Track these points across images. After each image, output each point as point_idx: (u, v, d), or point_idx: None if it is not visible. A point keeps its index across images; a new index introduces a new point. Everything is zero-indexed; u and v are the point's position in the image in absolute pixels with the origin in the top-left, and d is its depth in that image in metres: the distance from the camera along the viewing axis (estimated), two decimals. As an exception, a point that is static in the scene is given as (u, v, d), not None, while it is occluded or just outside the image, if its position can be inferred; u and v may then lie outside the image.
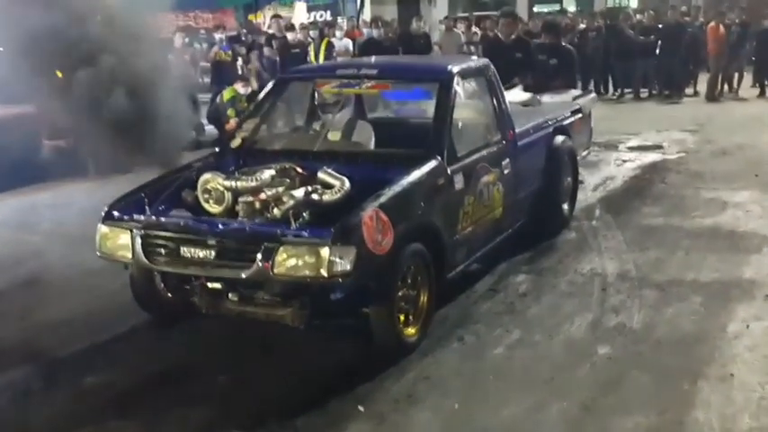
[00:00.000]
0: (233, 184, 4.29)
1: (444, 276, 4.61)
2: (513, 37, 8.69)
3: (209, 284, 4.20)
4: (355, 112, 5.60)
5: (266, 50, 12.28)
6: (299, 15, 19.85)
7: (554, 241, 6.09)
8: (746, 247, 5.87)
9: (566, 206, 6.48)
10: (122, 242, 4.28)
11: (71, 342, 4.56)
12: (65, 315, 4.95)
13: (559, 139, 6.33)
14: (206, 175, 4.43)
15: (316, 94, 5.74)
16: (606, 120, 12.13)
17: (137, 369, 4.24)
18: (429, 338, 4.42)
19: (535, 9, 25.65)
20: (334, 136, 5.31)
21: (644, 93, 15.32)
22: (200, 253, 4.04)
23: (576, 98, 7.38)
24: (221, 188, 4.33)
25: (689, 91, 15.26)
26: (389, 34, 13.52)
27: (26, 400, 3.97)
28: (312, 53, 13.15)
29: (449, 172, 4.65)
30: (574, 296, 5.04)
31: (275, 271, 3.83)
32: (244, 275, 3.93)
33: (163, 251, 4.17)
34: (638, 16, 15.86)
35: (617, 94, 15.39)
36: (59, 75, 9.58)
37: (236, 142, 5.21)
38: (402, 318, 4.23)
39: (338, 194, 4.15)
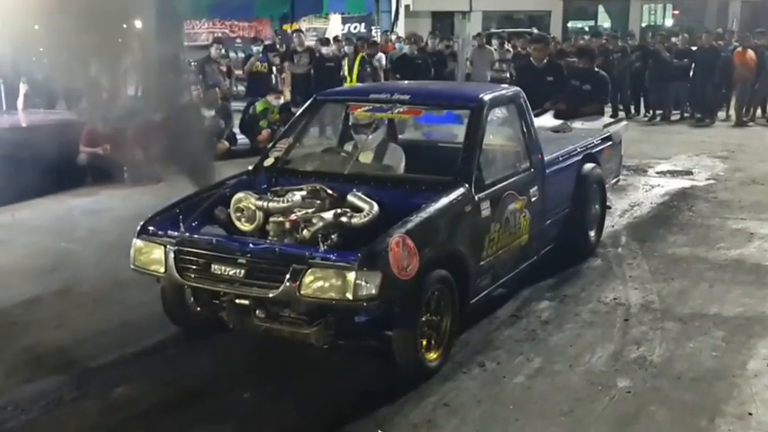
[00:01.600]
0: (265, 204, 4.41)
1: (468, 302, 4.68)
2: (545, 61, 8.77)
3: (238, 301, 4.29)
4: (387, 135, 5.68)
5: (287, 65, 12.41)
6: (334, 28, 20.06)
7: (579, 268, 6.13)
8: (772, 281, 5.87)
9: (593, 233, 6.53)
10: (156, 257, 4.42)
11: (102, 353, 4.69)
12: (97, 325, 5.10)
13: (588, 166, 6.38)
14: (239, 194, 4.55)
15: (349, 116, 5.83)
16: (637, 142, 12.19)
17: (164, 383, 4.35)
18: (450, 363, 4.50)
19: (569, 25, 25.69)
20: (365, 158, 5.40)
21: (675, 115, 15.29)
22: (230, 271, 4.16)
23: (606, 126, 7.41)
24: (253, 207, 4.44)
25: (721, 115, 15.21)
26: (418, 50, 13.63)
27: (56, 410, 4.10)
28: (346, 68, 13.32)
29: (476, 199, 4.73)
30: (596, 326, 5.08)
31: (302, 292, 3.94)
32: (271, 295, 4.04)
33: (194, 267, 4.29)
34: (673, 39, 15.81)
35: (648, 116, 15.35)
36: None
37: (269, 161, 5.33)
38: (424, 342, 4.30)
39: (367, 218, 4.24)
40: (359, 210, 4.31)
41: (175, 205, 4.79)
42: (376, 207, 4.30)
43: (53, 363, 4.59)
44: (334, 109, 5.94)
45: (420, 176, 4.99)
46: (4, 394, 4.25)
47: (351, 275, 3.87)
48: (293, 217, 4.32)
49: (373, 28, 22.91)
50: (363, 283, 3.87)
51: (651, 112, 15.38)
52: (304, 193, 4.49)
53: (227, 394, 4.21)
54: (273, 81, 13.79)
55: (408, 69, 12.55)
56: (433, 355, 4.37)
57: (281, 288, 3.99)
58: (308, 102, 5.84)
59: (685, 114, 15.29)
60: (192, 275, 4.30)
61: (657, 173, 10.07)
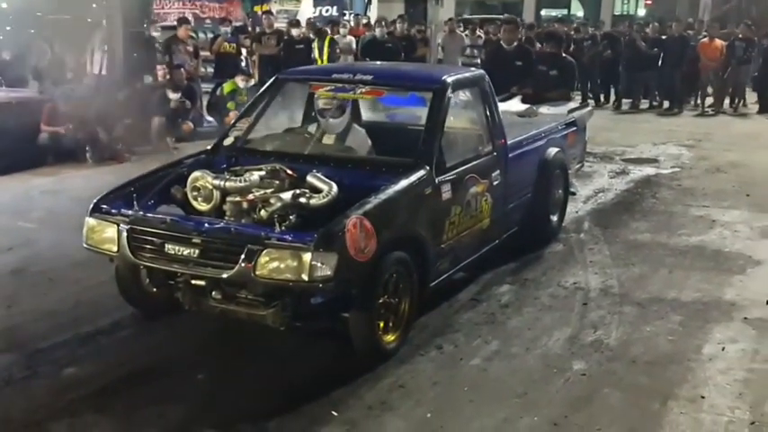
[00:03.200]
0: (221, 183, 4.36)
1: (428, 285, 4.66)
2: (515, 44, 8.75)
3: (193, 281, 4.23)
4: (351, 117, 5.62)
5: (255, 47, 12.28)
6: (306, 11, 19.89)
7: (540, 253, 6.14)
8: (730, 267, 5.92)
9: (555, 218, 6.54)
10: (108, 235, 4.33)
11: (55, 333, 4.61)
12: (51, 305, 5.02)
13: (552, 151, 6.38)
14: (196, 173, 4.50)
15: (314, 98, 5.73)
16: (605, 130, 12.27)
17: (117, 363, 4.29)
18: (408, 346, 4.48)
19: (543, 13, 25.72)
20: (328, 140, 5.35)
21: (644, 104, 15.39)
22: (185, 251, 4.08)
23: (571, 111, 7.41)
24: (210, 186, 4.39)
25: (690, 104, 15.34)
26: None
27: (5, 388, 4.03)
28: (316, 51, 13.22)
29: (437, 182, 4.69)
30: (555, 309, 5.09)
31: (257, 273, 3.88)
32: (225, 275, 3.99)
33: (148, 247, 4.20)
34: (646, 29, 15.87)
35: (617, 104, 15.42)
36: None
37: (228, 140, 5.26)
38: (382, 324, 4.28)
39: (325, 199, 4.20)
40: (318, 191, 4.27)
41: (130, 183, 4.71)
42: (335, 188, 4.26)
43: (4, 342, 4.51)
44: (297, 88, 5.84)
45: (380, 158, 4.99)
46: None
47: (306, 256, 3.83)
48: (251, 197, 4.27)
49: (345, 12, 22.79)
50: (319, 265, 3.83)
51: (619, 100, 15.44)
52: (263, 173, 4.42)
53: (183, 375, 4.16)
54: (243, 63, 13.66)
55: (378, 53, 12.47)
56: (390, 338, 4.36)
57: (235, 269, 3.93)
58: (270, 80, 5.77)
59: (654, 103, 15.39)
60: (146, 255, 4.22)
61: (623, 160, 10.12)
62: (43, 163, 9.07)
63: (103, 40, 10.39)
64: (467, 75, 5.66)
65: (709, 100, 15.19)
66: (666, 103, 15.13)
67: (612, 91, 15.85)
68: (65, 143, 9.12)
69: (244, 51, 13.78)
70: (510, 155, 5.64)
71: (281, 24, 15.24)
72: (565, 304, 5.17)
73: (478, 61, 14.19)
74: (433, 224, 4.68)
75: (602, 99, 15.69)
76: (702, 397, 3.96)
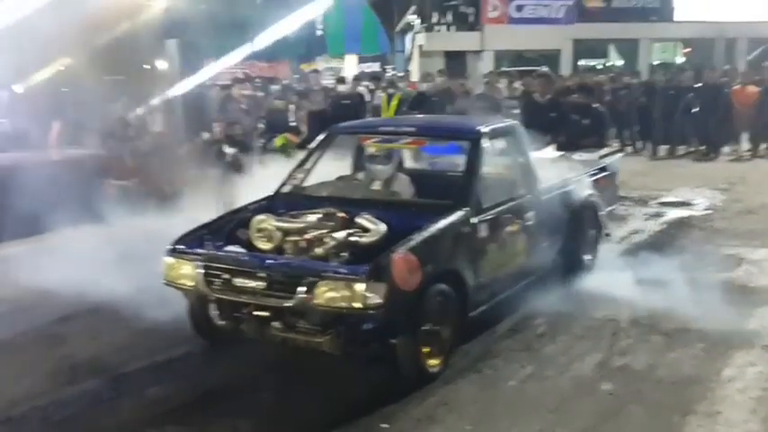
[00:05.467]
0: (282, 224, 4.96)
1: (467, 315, 5.15)
2: (548, 97, 9.29)
3: (257, 313, 4.74)
4: (396, 165, 6.18)
5: (303, 103, 13.00)
6: (350, 67, 20.76)
7: (575, 288, 6.54)
8: (754, 300, 6.27)
9: (588, 257, 6.98)
10: (185, 272, 4.95)
11: (135, 360, 5.19)
12: (131, 338, 5.55)
13: (583, 194, 6.86)
14: (260, 216, 5.12)
15: (364, 148, 6.34)
16: (641, 176, 12.67)
17: (193, 385, 4.83)
18: (451, 369, 4.96)
19: (582, 63, 26.19)
20: (376, 185, 5.93)
21: (681, 150, 15.71)
22: (252, 283, 4.67)
23: (602, 157, 7.91)
24: (272, 228, 4.98)
25: (726, 150, 15.63)
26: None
27: (95, 407, 4.60)
28: (384, 104, 13.92)
29: (474, 221, 5.23)
30: (586, 339, 5.51)
31: (315, 301, 4.45)
32: (287, 304, 4.55)
33: (219, 281, 4.80)
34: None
35: (654, 150, 15.78)
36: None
37: (286, 188, 5.91)
38: (426, 350, 4.76)
39: (374, 237, 4.78)
40: (367, 230, 4.83)
41: (202, 227, 5.35)
42: (383, 227, 4.82)
43: (90, 369, 5.08)
44: (347, 140, 6.49)
45: (422, 200, 5.63)
46: (47, 395, 4.74)
47: (359, 286, 4.37)
48: (308, 236, 4.85)
49: (387, 67, 23.66)
50: (370, 294, 4.36)
51: (655, 146, 15.79)
52: (319, 215, 5.02)
53: (249, 395, 4.69)
54: (292, 119, 14.40)
55: (425, 105, 13.12)
56: (434, 362, 4.83)
57: (296, 298, 4.49)
58: (323, 134, 6.40)
59: (690, 149, 15.72)
60: (218, 288, 4.81)
61: (658, 203, 10.49)
62: (111, 214, 9.77)
63: (164, 100, 11.18)
64: (501, 125, 6.27)
65: (746, 145, 15.48)
66: (703, 149, 15.46)
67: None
68: (131, 196, 9.82)
69: (292, 108, 14.56)
70: (543, 197, 6.15)
71: (327, 81, 16.06)
72: (596, 334, 5.59)
73: (517, 111, 14.74)
74: (472, 259, 5.19)
75: (639, 145, 16.08)
76: (719, 412, 4.36)
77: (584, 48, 24.65)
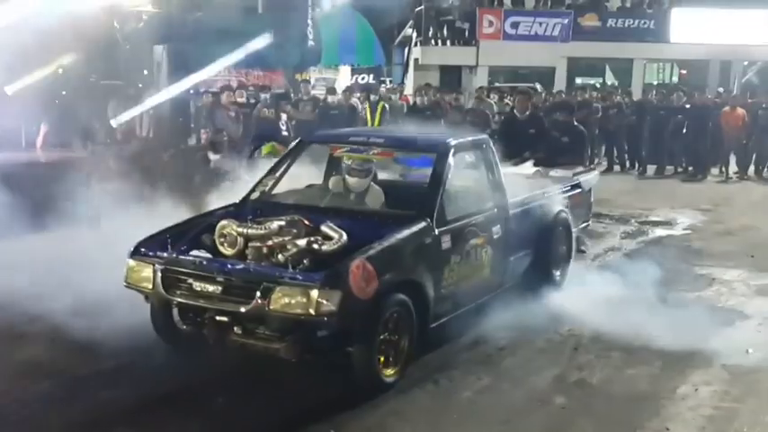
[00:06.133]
0: (245, 230, 4.96)
1: (428, 326, 5.17)
2: (527, 113, 9.35)
3: (218, 317, 4.77)
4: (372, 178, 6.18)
5: (292, 112, 13.06)
6: (344, 78, 20.85)
7: (542, 303, 6.55)
8: (721, 320, 6.30)
9: (558, 273, 7.01)
10: (145, 275, 4.99)
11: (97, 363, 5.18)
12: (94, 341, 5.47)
13: (554, 210, 6.91)
14: (223, 222, 5.10)
15: (341, 159, 6.27)
16: (626, 194, 12.76)
17: (150, 388, 4.83)
18: (408, 379, 4.99)
19: (580, 81, 26.22)
20: (349, 196, 5.96)
21: (669, 171, 15.77)
22: (209, 288, 4.72)
23: (576, 174, 7.96)
24: (235, 233, 4.99)
25: (714, 171, 15.69)
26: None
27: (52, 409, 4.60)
28: (368, 115, 14.03)
29: (436, 233, 5.26)
30: (547, 352, 5.56)
31: (271, 307, 4.49)
32: (243, 309, 4.60)
33: (178, 284, 4.85)
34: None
35: (641, 169, 15.84)
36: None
37: (255, 195, 5.95)
38: (382, 359, 4.80)
39: (336, 246, 4.77)
40: (330, 238, 4.85)
41: (167, 230, 5.34)
42: (345, 236, 4.82)
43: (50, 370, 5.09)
44: (318, 150, 6.53)
45: (387, 211, 5.68)
46: (7, 394, 4.77)
47: (314, 293, 4.42)
48: (270, 243, 4.86)
49: (387, 79, 23.76)
50: (324, 301, 4.40)
51: (644, 166, 15.85)
52: (283, 222, 5.00)
53: (203, 399, 4.71)
54: (285, 128, 14.48)
55: (418, 118, 13.21)
56: (389, 372, 4.86)
57: (252, 303, 4.53)
58: (295, 142, 6.44)
59: (679, 169, 15.79)
60: (177, 291, 4.86)
61: (638, 222, 10.55)
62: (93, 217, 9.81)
63: (151, 106, 11.26)
64: (470, 138, 6.31)
65: (735, 167, 15.56)
66: (691, 170, 15.52)
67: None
68: (115, 199, 9.86)
69: (284, 117, 14.63)
70: (511, 212, 6.19)
71: (319, 92, 16.13)
72: (557, 348, 5.64)
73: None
74: (433, 270, 5.21)
75: (627, 165, 16.16)
76: (667, 429, 4.40)
77: (580, 66, 24.79)
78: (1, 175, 8.81)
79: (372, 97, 14.97)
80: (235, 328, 4.76)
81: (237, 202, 5.92)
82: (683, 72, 28.88)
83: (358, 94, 15.77)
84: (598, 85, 24.45)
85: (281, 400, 4.70)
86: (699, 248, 8.97)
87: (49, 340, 5.54)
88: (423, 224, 5.22)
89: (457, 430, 4.38)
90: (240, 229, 4.97)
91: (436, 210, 5.34)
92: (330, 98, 13.79)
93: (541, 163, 8.40)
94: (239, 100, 13.70)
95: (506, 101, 16.25)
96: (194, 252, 5.08)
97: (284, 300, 4.47)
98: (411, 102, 15.68)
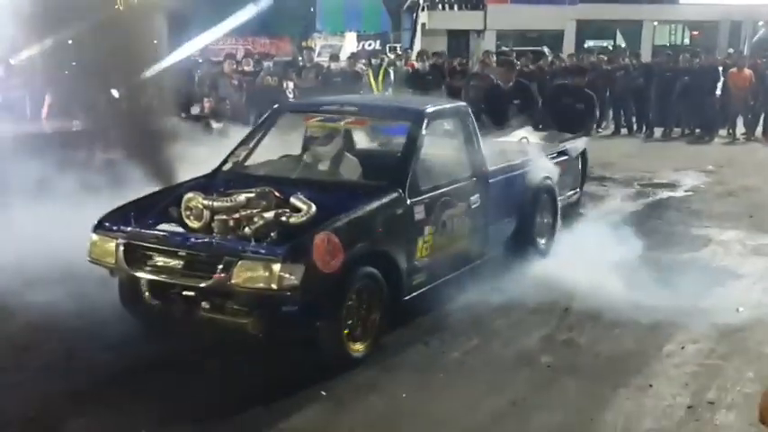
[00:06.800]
0: (211, 202, 4.75)
1: (401, 298, 5.11)
2: (511, 84, 9.19)
3: (185, 293, 4.66)
4: (344, 145, 6.03)
5: (296, 80, 13.07)
6: (349, 45, 20.78)
7: (536, 265, 6.60)
8: (713, 280, 6.35)
9: (542, 241, 6.95)
10: (108, 249, 4.86)
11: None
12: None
13: (538, 178, 6.81)
14: (189, 194, 4.86)
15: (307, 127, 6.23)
16: (630, 157, 12.77)
17: (132, 357, 4.81)
18: (399, 340, 5.10)
19: (591, 44, 25.98)
20: (323, 166, 5.82)
21: (676, 132, 15.70)
22: (172, 262, 4.63)
23: (563, 141, 7.87)
24: (201, 206, 4.76)
25: (722, 132, 15.61)
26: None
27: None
28: (371, 81, 14.03)
29: (408, 203, 5.16)
30: (538, 314, 5.62)
31: (232, 282, 4.39)
32: (203, 284, 4.50)
33: (141, 259, 4.74)
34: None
35: (648, 132, 15.77)
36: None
37: (227, 166, 5.84)
38: (351, 333, 4.72)
39: (304, 218, 4.58)
40: (298, 210, 4.66)
41: (133, 203, 5.21)
42: (314, 208, 4.63)
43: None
44: (292, 119, 6.39)
45: (358, 181, 5.55)
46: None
47: (276, 267, 4.31)
48: (237, 215, 4.65)
49: (396, 45, 23.67)
50: (287, 275, 4.31)
51: (650, 128, 15.77)
52: (252, 194, 4.79)
53: (195, 365, 4.77)
54: (292, 96, 14.50)
55: (418, 84, 13.19)
56: (357, 347, 4.77)
57: (213, 278, 4.44)
58: (268, 112, 6.38)
59: (686, 132, 15.71)
60: (139, 266, 4.74)
61: (640, 185, 10.56)
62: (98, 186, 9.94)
63: (152, 75, 11.28)
64: (446, 106, 6.22)
65: (742, 128, 15.47)
66: (698, 132, 15.45)
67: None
68: (118, 168, 9.97)
69: (291, 85, 14.65)
70: (491, 180, 6.09)
71: (325, 59, 16.12)
72: (548, 310, 5.69)
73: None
74: (405, 242, 5.13)
75: (635, 127, 16.09)
76: (650, 385, 4.48)
77: (589, 28, 24.61)
78: (4, 145, 8.92)
79: (374, 61, 14.94)
80: (203, 304, 4.67)
81: (209, 173, 5.76)
82: (695, 33, 28.61)
83: (363, 61, 15.76)
84: (611, 47, 24.32)
85: (269, 363, 4.78)
86: (698, 210, 8.99)
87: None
88: (394, 195, 5.12)
89: (444, 389, 4.47)
90: (206, 202, 4.76)
91: (408, 180, 5.23)
92: (333, 65, 13.78)
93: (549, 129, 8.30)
94: (246, 68, 13.74)
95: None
96: (162, 225, 4.89)
97: (246, 274, 4.38)
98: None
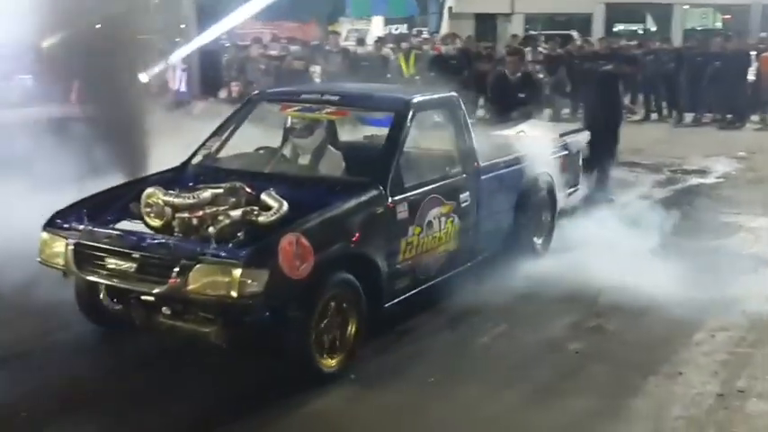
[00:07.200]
0: (171, 199, 4.27)
1: (382, 305, 4.68)
2: (519, 75, 8.74)
3: (144, 297, 4.24)
4: (324, 138, 5.47)
5: (323, 64, 13.06)
6: (376, 29, 20.72)
7: (563, 255, 6.47)
8: (743, 267, 6.28)
9: (539, 241, 6.54)
10: (58, 249, 4.41)
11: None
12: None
13: (535, 174, 6.36)
14: (149, 189, 4.37)
15: (288, 117, 5.66)
16: (661, 143, 12.65)
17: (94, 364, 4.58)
18: (428, 325, 5.11)
19: (621, 27, 25.58)
20: (303, 160, 5.34)
21: (707, 118, 15.49)
22: (124, 265, 4.17)
23: (563, 135, 7.37)
24: (161, 203, 4.29)
25: (755, 118, 15.36)
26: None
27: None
28: (402, 64, 14.01)
29: (390, 201, 4.71)
30: (567, 301, 5.57)
31: (188, 288, 3.93)
32: (156, 291, 4.05)
33: (92, 261, 4.30)
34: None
35: (679, 118, 15.57)
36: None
37: (196, 159, 5.34)
38: (321, 345, 4.26)
39: (274, 217, 4.14)
40: (269, 208, 4.21)
41: (93, 197, 4.76)
42: (285, 206, 4.19)
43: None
44: (269, 108, 5.80)
45: (337, 177, 5.10)
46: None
47: (236, 272, 3.86)
48: (200, 213, 4.18)
49: (422, 29, 23.57)
50: (249, 281, 3.86)
51: (680, 114, 15.57)
52: (220, 190, 4.34)
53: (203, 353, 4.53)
54: (319, 81, 14.53)
55: (442, 68, 13.14)
56: (330, 361, 4.33)
57: (168, 284, 3.98)
58: (245, 100, 5.91)
59: (717, 117, 15.48)
60: (90, 269, 4.31)
61: (671, 171, 10.48)
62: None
63: (180, 58, 11.36)
64: (435, 96, 5.70)
65: (774, 114, 15.23)
66: (729, 117, 15.22)
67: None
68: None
69: (318, 69, 14.67)
70: (483, 177, 5.64)
71: (351, 43, 16.10)
72: (577, 297, 5.62)
73: (541, 76, 14.62)
74: (386, 244, 4.69)
75: (665, 113, 15.90)
76: (680, 373, 4.45)
77: (619, 12, 24.30)
78: (36, 129, 9.00)
79: (404, 45, 14.89)
80: (163, 309, 4.26)
81: (178, 165, 5.30)
82: (726, 17, 28.14)
83: (391, 45, 15.72)
84: (641, 32, 24.01)
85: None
86: (729, 196, 8.90)
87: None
88: (374, 192, 4.65)
89: (470, 374, 4.47)
90: (166, 198, 4.28)
91: (391, 176, 4.77)
92: (360, 49, 13.76)
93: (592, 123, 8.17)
94: (271, 53, 13.79)
95: (540, 49, 16.08)
96: (122, 223, 4.44)
97: (203, 279, 3.92)
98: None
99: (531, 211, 6.33)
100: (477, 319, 5.27)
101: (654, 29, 25.86)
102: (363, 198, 4.59)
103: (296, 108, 5.41)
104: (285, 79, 13.75)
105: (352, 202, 4.53)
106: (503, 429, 3.97)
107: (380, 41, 15.72)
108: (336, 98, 5.41)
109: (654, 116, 15.84)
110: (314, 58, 13.93)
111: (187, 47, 11.25)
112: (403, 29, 21.93)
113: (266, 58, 13.12)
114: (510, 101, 8.24)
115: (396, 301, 4.82)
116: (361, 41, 14.46)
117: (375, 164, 4.92)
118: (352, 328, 4.44)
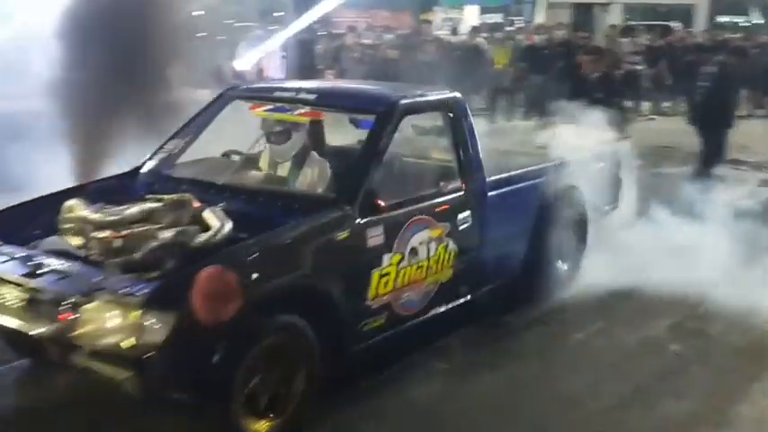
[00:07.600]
0: (89, 215, 3.55)
1: (348, 350, 3.90)
2: (596, 75, 8.43)
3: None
4: (309, 143, 4.61)
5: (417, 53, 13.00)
6: (471, 18, 20.56)
7: (664, 256, 6.18)
8: None
9: (565, 267, 5.62)
10: None
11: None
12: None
13: (560, 189, 5.41)
14: (69, 202, 3.66)
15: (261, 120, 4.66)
16: (766, 140, 12.07)
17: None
18: (519, 319, 5.04)
19: (726, 19, 24.55)
20: (282, 170, 4.49)
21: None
22: (11, 297, 3.41)
23: (601, 143, 6.24)
24: (79, 219, 3.57)
25: None
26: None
27: None
28: (496, 53, 13.89)
29: (357, 223, 3.86)
30: (666, 301, 5.39)
31: (77, 331, 3.15)
32: (33, 333, 3.26)
33: None
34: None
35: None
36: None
37: (150, 164, 4.62)
38: (260, 406, 3.45)
39: (214, 239, 3.42)
40: (208, 228, 3.48)
41: (19, 207, 4.08)
42: (228, 226, 3.48)
43: None
44: (242, 106, 4.87)
45: (296, 191, 4.30)
46: None
47: (135, 314, 3.08)
48: (125, 233, 3.40)
49: (516, 19, 23.26)
50: (150, 325, 3.07)
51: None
52: (158, 204, 3.59)
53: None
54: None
55: (535, 59, 12.94)
56: (263, 425, 3.46)
57: (54, 324, 3.20)
58: (216, 96, 5.04)
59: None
60: None
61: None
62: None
63: (275, 46, 11.49)
64: (429, 97, 4.79)
65: None
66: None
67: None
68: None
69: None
70: (490, 193, 4.74)
71: (444, 32, 16.03)
72: (678, 298, 5.39)
73: (640, 67, 14.21)
74: (352, 276, 3.86)
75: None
76: (788, 382, 4.27)
77: (722, 3, 23.39)
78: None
79: (497, 35, 14.70)
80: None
81: (130, 170, 4.60)
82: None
83: (485, 35, 15.55)
84: (748, 24, 23.00)
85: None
86: None
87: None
88: (336, 213, 3.83)
89: (567, 369, 4.42)
90: (83, 213, 3.55)
91: (361, 192, 3.92)
92: (454, 38, 13.68)
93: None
94: (366, 41, 13.86)
95: (640, 40, 15.62)
96: (54, 239, 3.65)
97: (96, 321, 3.13)
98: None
99: (555, 232, 5.35)
100: (570, 315, 5.18)
101: (760, 21, 24.79)
102: (322, 220, 3.78)
103: (267, 107, 4.51)
104: (380, 69, 13.86)
105: (304, 226, 3.72)
106: (600, 429, 3.89)
107: (475, 31, 15.57)
108: (312, 97, 4.59)
109: (760, 111, 15.20)
110: (407, 46, 13.94)
111: (282, 33, 11.37)
112: (497, 18, 21.71)
113: (361, 46, 13.19)
114: (587, 101, 7.88)
115: (369, 342, 4.02)
116: (454, 30, 14.36)
117: (342, 177, 4.21)
118: (299, 383, 3.58)
